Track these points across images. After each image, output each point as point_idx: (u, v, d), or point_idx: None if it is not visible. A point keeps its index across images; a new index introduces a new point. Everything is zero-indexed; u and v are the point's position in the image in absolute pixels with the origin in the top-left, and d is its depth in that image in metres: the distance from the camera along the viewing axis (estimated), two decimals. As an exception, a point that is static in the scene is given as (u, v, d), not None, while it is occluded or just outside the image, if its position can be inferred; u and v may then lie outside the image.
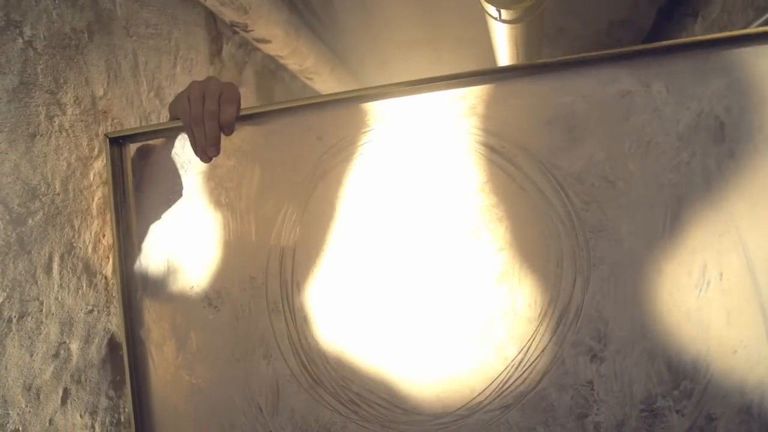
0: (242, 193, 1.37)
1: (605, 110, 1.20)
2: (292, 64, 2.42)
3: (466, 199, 1.26)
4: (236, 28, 2.05)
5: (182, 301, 1.42)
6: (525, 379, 1.22)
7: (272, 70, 2.56)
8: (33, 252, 1.26)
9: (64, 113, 1.36)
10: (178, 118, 1.29)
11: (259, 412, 1.37)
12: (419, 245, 1.28)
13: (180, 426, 1.43)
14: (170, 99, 1.80)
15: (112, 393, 1.51)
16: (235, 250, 1.38)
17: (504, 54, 2.30)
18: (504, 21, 1.88)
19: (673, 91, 1.19)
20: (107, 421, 1.48)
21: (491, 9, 1.82)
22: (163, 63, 1.77)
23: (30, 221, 1.25)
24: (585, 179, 1.21)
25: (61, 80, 1.35)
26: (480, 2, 1.82)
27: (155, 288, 1.44)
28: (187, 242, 1.41)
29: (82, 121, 1.41)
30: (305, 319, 1.34)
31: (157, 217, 1.43)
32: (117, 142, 1.42)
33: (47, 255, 1.31)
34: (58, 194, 1.33)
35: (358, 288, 1.31)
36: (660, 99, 1.19)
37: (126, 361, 1.42)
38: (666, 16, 3.26)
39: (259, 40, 2.12)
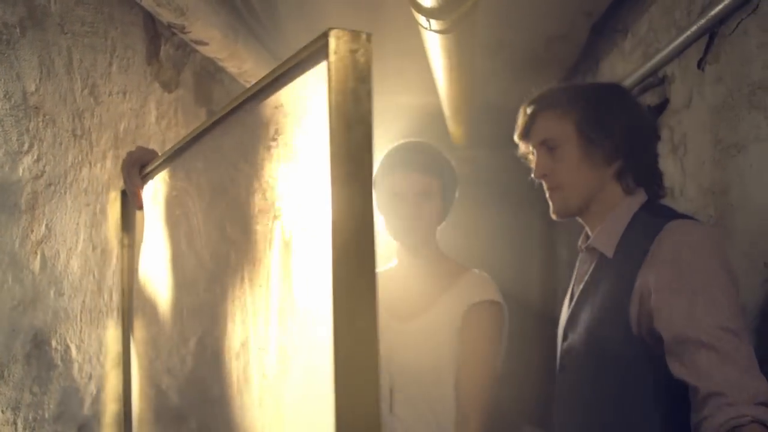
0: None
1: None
2: (231, 66, 2.44)
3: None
4: (174, 30, 2.06)
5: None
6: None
7: (211, 73, 2.58)
8: (-43, 245, 1.26)
9: (-7, 107, 1.36)
10: None
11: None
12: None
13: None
14: (105, 98, 1.81)
15: (36, 389, 1.51)
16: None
17: (438, 65, 2.37)
18: (435, 31, 1.95)
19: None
20: (30, 417, 1.48)
21: (422, 19, 1.88)
22: (98, 61, 1.78)
23: (-45, 214, 1.25)
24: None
25: (-9, 74, 1.36)
26: (412, 12, 1.88)
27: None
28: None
29: (12, 116, 1.42)
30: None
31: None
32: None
33: (-26, 249, 1.31)
34: (-15, 188, 1.34)
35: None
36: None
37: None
38: (599, 32, 3.40)
39: (196, 42, 2.14)
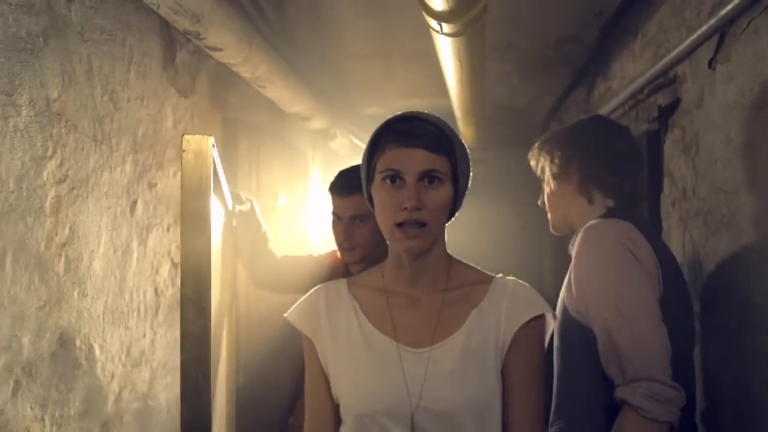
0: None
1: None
2: (244, 71, 2.48)
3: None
4: (189, 36, 2.11)
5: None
6: None
7: (226, 78, 2.62)
8: (-14, 247, 1.30)
9: (19, 114, 1.40)
10: None
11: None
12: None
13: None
14: (124, 103, 1.85)
15: (62, 387, 1.55)
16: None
17: (449, 66, 2.41)
18: (446, 34, 1.98)
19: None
20: (57, 414, 1.52)
21: (433, 23, 1.91)
22: (117, 68, 1.82)
23: (-17, 218, 1.30)
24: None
25: (17, 82, 1.40)
26: (423, 16, 1.91)
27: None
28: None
29: (36, 122, 1.46)
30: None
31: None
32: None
33: (9, 253, 1.35)
34: (12, 192, 1.38)
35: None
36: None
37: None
38: (608, 33, 3.41)
39: (211, 48, 2.18)
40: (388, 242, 1.36)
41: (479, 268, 1.44)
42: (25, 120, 1.43)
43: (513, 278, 1.41)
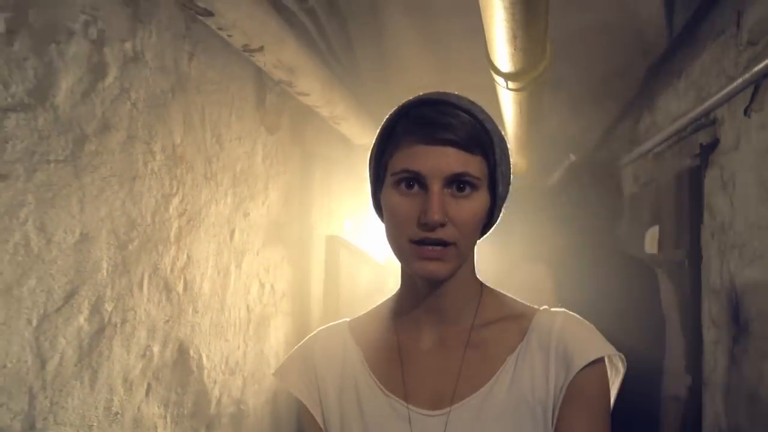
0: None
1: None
2: (324, 111, 2.74)
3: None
4: (282, 84, 2.38)
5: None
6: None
7: (304, 115, 2.88)
8: (131, 271, 1.58)
9: (154, 159, 1.68)
10: None
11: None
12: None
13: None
14: (227, 144, 2.12)
15: (179, 390, 1.82)
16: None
17: (509, 112, 2.63)
18: (510, 89, 2.21)
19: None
20: (175, 413, 1.79)
21: (500, 80, 2.14)
22: (222, 113, 2.10)
23: (130, 246, 1.57)
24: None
25: (153, 132, 1.68)
26: (490, 72, 2.14)
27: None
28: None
29: (165, 165, 1.74)
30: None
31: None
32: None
33: (140, 274, 1.62)
34: (149, 225, 1.65)
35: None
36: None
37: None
38: (655, 72, 3.60)
39: (300, 93, 2.45)
40: (400, 264, 1.02)
41: (518, 299, 1.08)
42: (158, 163, 1.70)
43: (563, 311, 1.04)
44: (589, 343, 0.99)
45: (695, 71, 2.86)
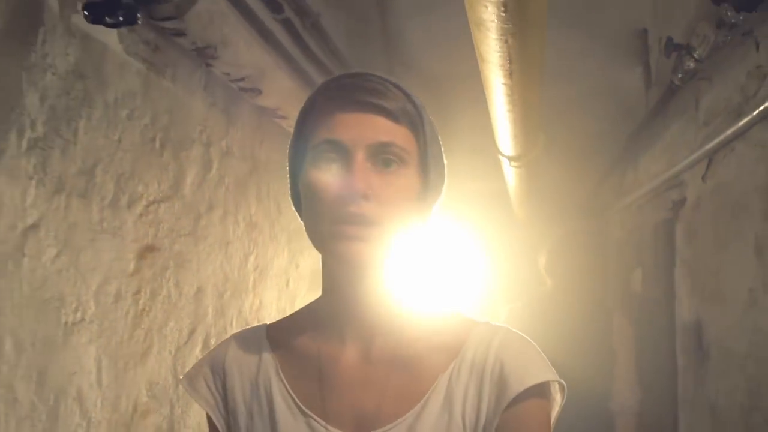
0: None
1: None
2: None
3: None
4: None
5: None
6: None
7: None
8: (225, 314, 2.07)
9: (239, 227, 2.19)
10: None
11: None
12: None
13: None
14: (284, 209, 2.64)
15: None
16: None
17: (511, 178, 3.15)
18: (513, 166, 2.73)
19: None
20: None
21: (504, 160, 2.67)
22: (280, 186, 2.61)
23: (225, 296, 2.07)
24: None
25: (238, 206, 2.19)
26: (496, 153, 2.66)
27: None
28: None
29: (246, 231, 2.25)
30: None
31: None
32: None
33: (231, 316, 2.12)
34: (236, 278, 2.15)
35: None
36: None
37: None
38: (636, 135, 4.13)
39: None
40: (321, 262, 0.94)
41: (457, 309, 0.96)
42: (241, 230, 2.21)
43: (505, 326, 0.92)
44: (528, 366, 0.86)
45: (667, 139, 3.39)
